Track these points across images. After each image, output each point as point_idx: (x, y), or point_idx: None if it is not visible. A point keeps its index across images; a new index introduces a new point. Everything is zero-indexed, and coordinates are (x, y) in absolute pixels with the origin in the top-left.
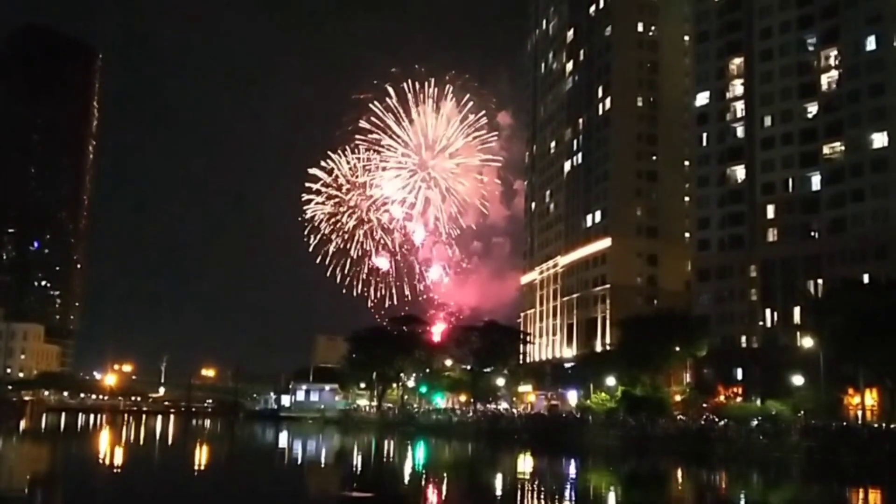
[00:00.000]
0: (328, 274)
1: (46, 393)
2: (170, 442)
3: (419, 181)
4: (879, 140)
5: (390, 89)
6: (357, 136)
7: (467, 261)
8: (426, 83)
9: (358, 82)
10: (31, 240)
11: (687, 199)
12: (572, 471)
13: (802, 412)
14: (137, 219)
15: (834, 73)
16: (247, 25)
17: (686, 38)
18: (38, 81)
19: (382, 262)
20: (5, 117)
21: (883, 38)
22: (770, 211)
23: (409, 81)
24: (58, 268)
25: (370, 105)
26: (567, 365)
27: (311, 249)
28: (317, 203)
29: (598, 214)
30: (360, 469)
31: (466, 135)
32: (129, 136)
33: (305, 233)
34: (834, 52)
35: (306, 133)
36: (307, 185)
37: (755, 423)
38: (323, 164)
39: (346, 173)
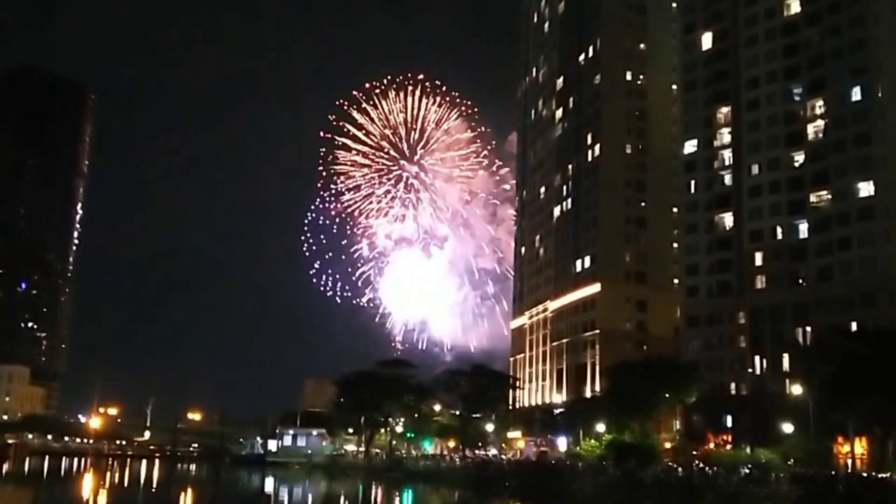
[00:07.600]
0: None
1: (30, 436)
2: (154, 487)
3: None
4: (865, 189)
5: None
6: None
7: (481, 303)
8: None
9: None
10: (19, 280)
11: (675, 245)
12: None
13: (792, 460)
14: (125, 261)
15: (820, 123)
16: (238, 68)
17: (674, 86)
18: (30, 121)
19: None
20: None
21: (868, 89)
22: (758, 258)
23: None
24: (45, 309)
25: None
26: (556, 411)
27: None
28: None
29: (587, 260)
30: None
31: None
32: (119, 178)
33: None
34: (820, 102)
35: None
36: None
37: (745, 471)
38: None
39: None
